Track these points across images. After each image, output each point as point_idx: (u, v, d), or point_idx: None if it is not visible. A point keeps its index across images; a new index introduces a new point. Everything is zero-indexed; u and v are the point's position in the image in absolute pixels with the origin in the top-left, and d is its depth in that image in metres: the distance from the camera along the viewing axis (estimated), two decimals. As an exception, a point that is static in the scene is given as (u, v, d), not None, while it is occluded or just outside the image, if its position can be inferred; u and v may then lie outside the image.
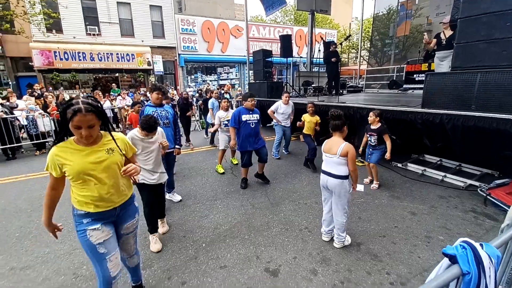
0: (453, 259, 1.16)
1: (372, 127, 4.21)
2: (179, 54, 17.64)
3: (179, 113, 7.42)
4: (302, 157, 5.52)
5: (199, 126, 9.99)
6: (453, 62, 4.19)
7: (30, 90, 9.31)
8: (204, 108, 8.37)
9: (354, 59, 29.89)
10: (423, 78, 4.76)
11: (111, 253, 1.72)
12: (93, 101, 1.57)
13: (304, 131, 5.40)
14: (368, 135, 4.29)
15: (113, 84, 15.50)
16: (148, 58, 16.03)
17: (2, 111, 6.67)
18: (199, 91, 11.98)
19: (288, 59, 10.57)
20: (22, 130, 7.94)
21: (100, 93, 9.06)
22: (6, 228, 3.40)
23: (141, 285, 2.28)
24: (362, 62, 14.55)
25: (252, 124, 4.27)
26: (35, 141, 7.27)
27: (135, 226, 1.93)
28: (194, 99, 10.51)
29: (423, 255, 2.67)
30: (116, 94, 10.97)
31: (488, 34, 3.66)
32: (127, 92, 10.89)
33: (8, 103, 7.43)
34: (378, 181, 4.35)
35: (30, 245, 3.03)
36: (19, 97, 9.21)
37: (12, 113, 7.07)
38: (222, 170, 5.19)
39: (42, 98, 8.37)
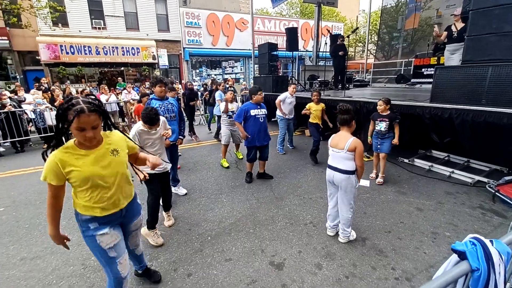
0: (462, 256, 1.15)
1: (383, 114, 4.14)
2: (184, 48, 17.56)
3: (184, 103, 7.43)
4: (307, 152, 5.50)
5: (204, 120, 10.00)
6: (463, 56, 4.09)
7: (37, 84, 9.40)
8: (209, 101, 8.35)
9: (360, 52, 29.44)
10: (432, 72, 4.68)
11: (121, 256, 1.71)
12: (93, 100, 1.50)
13: (311, 120, 5.34)
14: (378, 122, 4.16)
15: (119, 78, 15.55)
16: (153, 52, 16.00)
17: (10, 105, 6.76)
18: (204, 86, 11.95)
19: (294, 52, 10.45)
20: (30, 124, 8.07)
21: (106, 87, 9.11)
22: (16, 220, 3.48)
23: (148, 268, 2.33)
24: (369, 55, 14.31)
25: (261, 119, 4.23)
26: (42, 135, 7.37)
27: (141, 221, 1.96)
28: (199, 93, 10.49)
29: (429, 251, 2.66)
30: (122, 88, 11.01)
31: (500, 27, 3.56)
32: (132, 86, 10.91)
33: (16, 97, 7.53)
34: (384, 174, 4.31)
35: (39, 236, 3.10)
36: (27, 90, 9.31)
37: (20, 107, 7.17)
38: (227, 164, 5.21)
39: (49, 92, 8.45)
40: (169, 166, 3.03)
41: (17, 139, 6.82)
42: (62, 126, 1.42)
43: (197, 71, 19.25)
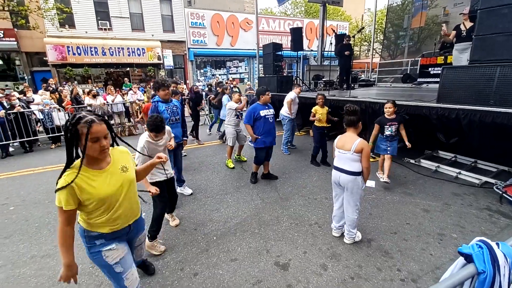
0: (468, 258, 1.15)
1: (391, 117, 4.10)
2: (188, 48, 17.66)
3: (190, 107, 7.44)
4: (311, 152, 5.48)
5: (208, 120, 10.04)
6: (471, 56, 4.05)
7: (45, 85, 9.55)
8: (214, 103, 8.35)
9: (366, 52, 29.24)
10: (439, 72, 4.63)
11: (128, 271, 1.69)
12: (96, 113, 1.51)
13: (316, 123, 5.29)
14: (387, 127, 4.09)
15: (125, 79, 15.71)
16: (158, 53, 16.13)
17: (19, 105, 6.88)
18: (209, 86, 12.00)
19: (299, 52, 10.43)
20: (38, 124, 8.20)
21: (112, 87, 9.23)
22: (26, 218, 3.55)
23: (144, 261, 2.37)
24: (374, 55, 14.19)
25: (270, 119, 4.23)
26: (50, 135, 7.49)
27: (145, 235, 1.96)
28: (204, 93, 10.54)
29: (435, 252, 2.64)
30: (128, 88, 11.13)
31: (508, 26, 3.51)
32: (138, 86, 11.01)
33: (24, 98, 7.66)
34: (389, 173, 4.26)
35: (49, 234, 3.16)
36: (35, 91, 9.46)
37: (29, 107, 7.29)
38: (232, 165, 5.23)
39: (56, 93, 8.58)
40: (172, 172, 3.03)
41: (25, 139, 6.95)
42: (76, 143, 1.40)
43: (202, 71, 19.35)
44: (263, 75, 10.54)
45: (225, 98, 6.94)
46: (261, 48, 10.45)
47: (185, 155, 5.97)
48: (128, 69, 16.28)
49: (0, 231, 3.27)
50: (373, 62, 13.36)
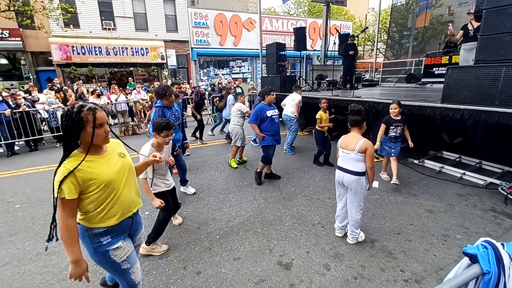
0: (473, 259, 1.15)
1: (397, 118, 4.09)
2: (192, 48, 17.71)
3: (195, 109, 7.42)
4: (314, 152, 5.46)
5: (211, 120, 10.07)
6: (476, 56, 4.01)
7: (50, 84, 9.63)
8: (219, 106, 8.30)
9: (370, 51, 29.10)
10: (443, 72, 4.59)
11: (134, 266, 1.71)
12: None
13: (318, 127, 5.25)
14: (393, 127, 4.08)
15: (129, 78, 15.80)
16: (161, 52, 16.20)
17: (25, 105, 6.96)
18: (212, 85, 12.02)
19: (302, 52, 10.41)
20: (43, 123, 8.28)
21: (116, 87, 9.31)
22: (32, 216, 3.59)
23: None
24: (378, 54, 14.12)
25: (276, 119, 4.26)
26: (55, 134, 7.56)
27: (143, 235, 1.93)
28: (207, 93, 10.56)
29: (439, 253, 2.63)
30: (132, 88, 11.20)
31: (514, 26, 3.48)
32: (141, 86, 11.07)
33: (30, 97, 7.74)
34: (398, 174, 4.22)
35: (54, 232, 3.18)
36: (40, 91, 9.54)
37: (34, 107, 7.36)
38: (235, 165, 5.24)
39: (61, 92, 8.65)
40: (173, 182, 2.98)
41: (31, 138, 7.02)
42: (77, 131, 1.39)
43: (205, 70, 19.39)
44: (266, 75, 10.53)
45: (230, 97, 6.95)
46: (264, 48, 10.44)
47: (188, 155, 6.00)
48: (131, 68, 16.38)
49: (6, 229, 3.32)
50: (377, 62, 13.29)
